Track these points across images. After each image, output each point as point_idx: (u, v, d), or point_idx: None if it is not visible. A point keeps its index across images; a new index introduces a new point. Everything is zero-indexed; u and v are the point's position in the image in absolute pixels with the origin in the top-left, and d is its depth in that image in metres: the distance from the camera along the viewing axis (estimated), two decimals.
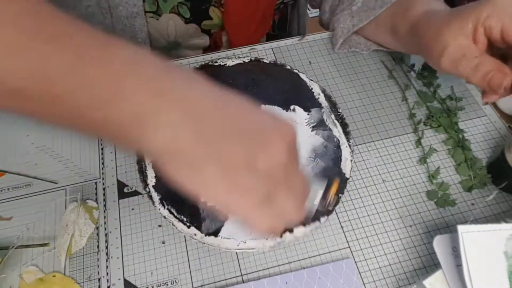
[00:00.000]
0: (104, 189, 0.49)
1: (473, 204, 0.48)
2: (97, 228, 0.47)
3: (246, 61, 0.56)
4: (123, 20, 0.58)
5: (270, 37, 0.73)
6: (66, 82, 0.25)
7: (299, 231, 0.43)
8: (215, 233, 0.42)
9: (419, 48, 0.46)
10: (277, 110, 0.51)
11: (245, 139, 0.29)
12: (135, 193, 0.49)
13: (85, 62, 0.26)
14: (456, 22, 0.41)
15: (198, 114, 0.28)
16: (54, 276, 0.44)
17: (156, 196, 0.45)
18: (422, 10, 0.47)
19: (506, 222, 0.39)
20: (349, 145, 0.49)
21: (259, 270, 0.44)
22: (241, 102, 0.31)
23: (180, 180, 0.29)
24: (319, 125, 0.50)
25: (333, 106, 0.52)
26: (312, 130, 0.50)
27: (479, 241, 0.36)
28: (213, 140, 0.28)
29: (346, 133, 0.50)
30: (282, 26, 0.75)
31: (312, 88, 0.53)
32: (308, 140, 0.49)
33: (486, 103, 0.47)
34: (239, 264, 0.44)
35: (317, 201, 0.41)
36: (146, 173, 0.46)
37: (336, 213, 0.48)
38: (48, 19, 0.26)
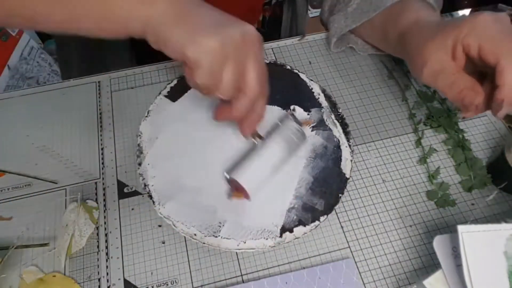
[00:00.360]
0: (104, 189, 0.49)
1: (473, 204, 0.48)
2: (97, 228, 0.47)
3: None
4: None
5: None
6: None
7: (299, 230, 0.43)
8: None
9: (405, 56, 0.48)
10: (276, 110, 0.51)
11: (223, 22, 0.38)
12: (135, 193, 0.49)
13: None
14: (439, 37, 0.42)
15: None
16: (54, 276, 0.44)
17: (156, 196, 0.45)
18: (412, 19, 0.48)
19: (506, 222, 0.39)
20: (349, 145, 0.49)
21: (259, 270, 0.44)
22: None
23: (173, 41, 0.36)
24: (319, 125, 0.50)
25: (333, 106, 0.52)
26: (312, 130, 0.50)
27: (479, 241, 0.36)
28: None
29: (346, 133, 0.50)
30: (273, 25, 0.75)
31: (312, 88, 0.53)
32: (308, 140, 0.49)
33: (464, 118, 0.49)
34: (239, 264, 0.45)
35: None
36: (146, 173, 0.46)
37: (336, 213, 0.48)
38: None
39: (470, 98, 0.40)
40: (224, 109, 0.42)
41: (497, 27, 0.40)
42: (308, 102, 0.52)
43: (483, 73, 0.42)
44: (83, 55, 0.70)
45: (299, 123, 0.47)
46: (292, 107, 0.51)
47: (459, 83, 0.41)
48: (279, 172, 0.45)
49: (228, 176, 0.44)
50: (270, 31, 0.74)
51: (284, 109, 0.51)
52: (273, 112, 0.51)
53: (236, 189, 0.44)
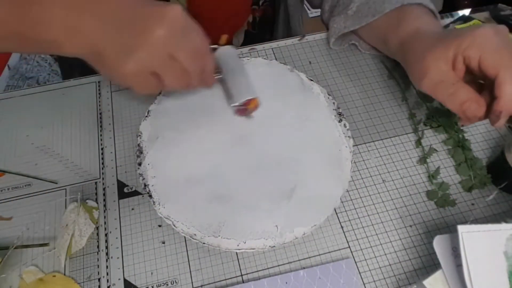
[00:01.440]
0: (104, 189, 0.49)
1: (473, 204, 0.48)
2: (97, 228, 0.47)
3: (247, 60, 0.56)
4: None
5: (249, 35, 0.72)
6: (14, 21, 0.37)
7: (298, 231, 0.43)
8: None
9: (404, 64, 0.49)
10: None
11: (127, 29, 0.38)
12: (135, 193, 0.49)
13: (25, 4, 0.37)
14: (439, 48, 0.42)
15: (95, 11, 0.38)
16: (54, 276, 0.44)
17: (156, 196, 0.45)
18: (413, 28, 0.48)
19: (506, 222, 0.39)
20: (349, 145, 0.49)
21: (259, 270, 0.44)
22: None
23: (104, 74, 0.40)
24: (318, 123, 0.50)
25: (333, 106, 0.52)
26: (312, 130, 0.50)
27: (479, 241, 0.36)
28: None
29: (346, 133, 0.50)
30: (264, 25, 0.75)
31: (312, 88, 0.53)
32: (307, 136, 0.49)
33: (463, 126, 0.52)
34: (239, 264, 0.45)
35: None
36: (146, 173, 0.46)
37: (336, 213, 0.48)
38: None
39: (473, 111, 0.41)
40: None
41: (497, 39, 0.40)
42: (308, 102, 0.52)
43: (481, 82, 0.43)
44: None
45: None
46: (292, 107, 0.51)
47: (460, 95, 0.41)
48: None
49: (237, 103, 0.48)
50: (261, 32, 0.74)
51: (284, 109, 0.51)
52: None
53: (245, 105, 0.49)
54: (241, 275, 0.44)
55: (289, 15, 0.73)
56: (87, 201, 0.48)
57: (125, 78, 0.39)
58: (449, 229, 0.46)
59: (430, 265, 0.44)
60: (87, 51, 0.38)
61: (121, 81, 0.40)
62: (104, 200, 0.49)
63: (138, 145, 0.49)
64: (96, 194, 0.49)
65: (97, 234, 0.46)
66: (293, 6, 0.72)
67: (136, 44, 0.38)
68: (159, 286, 0.43)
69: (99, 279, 0.44)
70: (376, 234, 0.46)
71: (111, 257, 0.45)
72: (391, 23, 0.52)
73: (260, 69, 0.55)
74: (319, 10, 0.67)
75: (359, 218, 0.47)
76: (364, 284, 0.43)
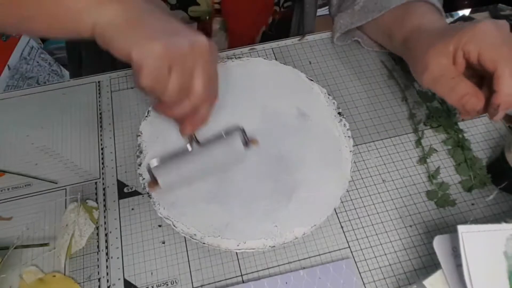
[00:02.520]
0: (104, 189, 0.49)
1: (473, 204, 0.48)
2: (97, 228, 0.47)
3: (247, 60, 0.56)
4: None
5: (265, 36, 0.72)
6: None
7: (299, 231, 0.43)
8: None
9: (408, 60, 0.49)
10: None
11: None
12: (135, 193, 0.49)
13: None
14: (440, 43, 0.43)
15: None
16: (54, 276, 0.44)
17: (156, 196, 0.45)
18: (416, 24, 0.49)
19: (506, 222, 0.39)
20: (349, 145, 0.49)
21: (259, 270, 0.44)
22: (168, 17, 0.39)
23: (120, 42, 0.36)
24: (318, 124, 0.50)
25: (333, 106, 0.52)
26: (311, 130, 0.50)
27: (479, 241, 0.36)
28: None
29: (346, 133, 0.50)
30: (281, 27, 0.75)
31: (312, 88, 0.53)
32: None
33: (463, 120, 0.53)
34: (239, 264, 0.45)
35: None
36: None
37: (336, 213, 0.48)
38: None
39: (472, 104, 0.42)
40: (164, 105, 0.41)
41: (496, 34, 0.41)
42: (308, 102, 0.52)
43: (482, 76, 0.43)
44: (94, 53, 0.71)
45: (247, 140, 0.46)
46: (292, 107, 0.51)
47: (460, 89, 0.42)
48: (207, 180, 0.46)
49: (150, 166, 0.45)
50: (277, 33, 0.74)
51: (284, 109, 0.51)
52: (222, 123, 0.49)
53: (154, 181, 0.44)
54: (241, 275, 0.44)
55: (304, 14, 0.73)
56: (87, 201, 0.48)
57: (144, 51, 0.36)
58: (449, 229, 0.46)
59: (430, 265, 0.44)
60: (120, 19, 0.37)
61: (138, 51, 0.36)
62: (104, 200, 0.49)
63: (138, 145, 0.49)
64: (96, 194, 0.49)
65: (97, 234, 0.46)
66: (309, 4, 0.72)
67: (181, 32, 0.38)
68: (159, 286, 0.43)
69: (99, 279, 0.44)
70: (376, 234, 0.46)
71: (111, 257, 0.45)
72: (396, 19, 0.52)
73: (260, 69, 0.55)
74: (320, 9, 0.67)
75: (359, 218, 0.47)
76: (364, 284, 0.43)
